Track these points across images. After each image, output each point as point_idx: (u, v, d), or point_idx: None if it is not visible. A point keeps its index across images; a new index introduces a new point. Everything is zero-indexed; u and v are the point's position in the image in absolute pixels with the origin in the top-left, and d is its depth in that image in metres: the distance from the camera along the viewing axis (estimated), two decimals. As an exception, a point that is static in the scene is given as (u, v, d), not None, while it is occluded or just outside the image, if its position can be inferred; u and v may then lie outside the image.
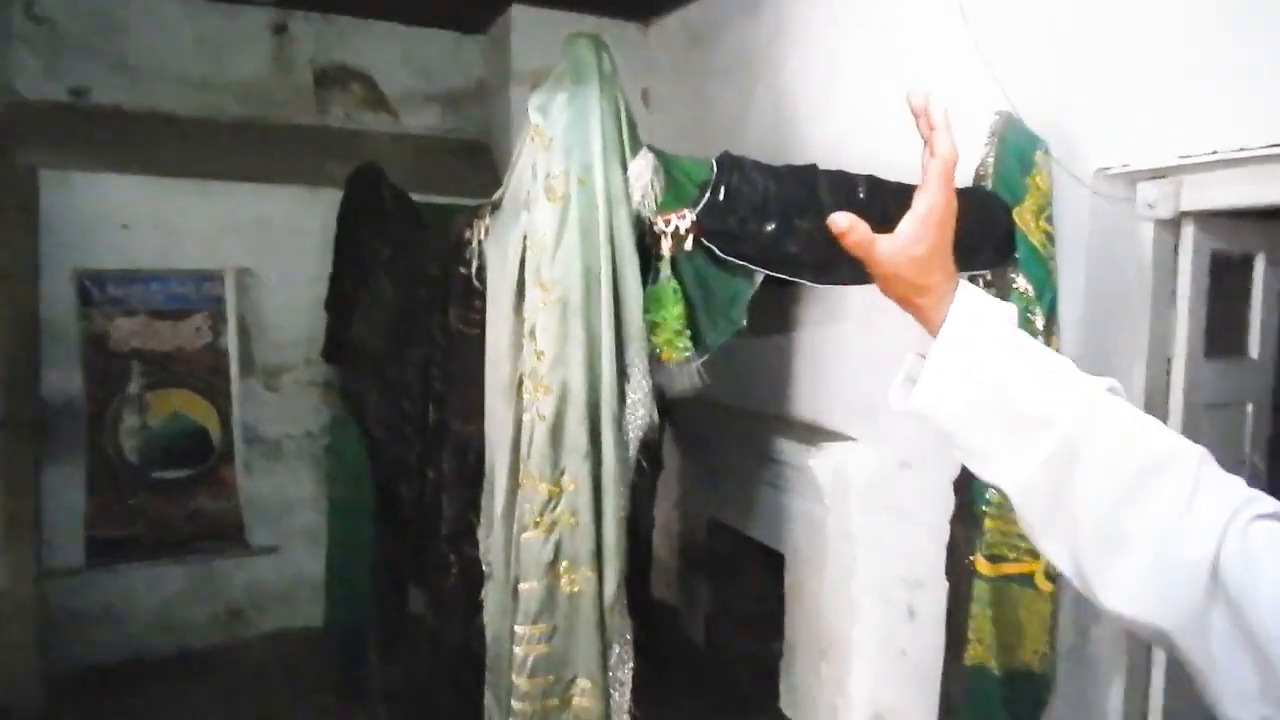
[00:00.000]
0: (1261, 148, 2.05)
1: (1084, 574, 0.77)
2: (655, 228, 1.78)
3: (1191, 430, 2.48)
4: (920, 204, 0.87)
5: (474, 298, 2.05)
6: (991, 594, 2.32)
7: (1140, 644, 2.53)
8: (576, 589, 1.65)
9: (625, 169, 1.71)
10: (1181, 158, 2.22)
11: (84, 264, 3.61)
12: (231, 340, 3.84)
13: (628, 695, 1.71)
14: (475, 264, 2.00)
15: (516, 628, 1.67)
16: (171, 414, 3.76)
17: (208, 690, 3.58)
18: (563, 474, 1.66)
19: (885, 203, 2.08)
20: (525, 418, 1.70)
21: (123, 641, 3.73)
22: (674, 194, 1.77)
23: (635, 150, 1.73)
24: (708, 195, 1.80)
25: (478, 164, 4.80)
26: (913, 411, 0.85)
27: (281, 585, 4.09)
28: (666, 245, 1.78)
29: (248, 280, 3.93)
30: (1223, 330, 2.60)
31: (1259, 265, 2.66)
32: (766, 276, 1.97)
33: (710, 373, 4.38)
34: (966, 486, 2.40)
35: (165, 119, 4.10)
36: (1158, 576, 0.72)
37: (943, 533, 2.53)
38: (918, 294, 0.86)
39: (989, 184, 2.32)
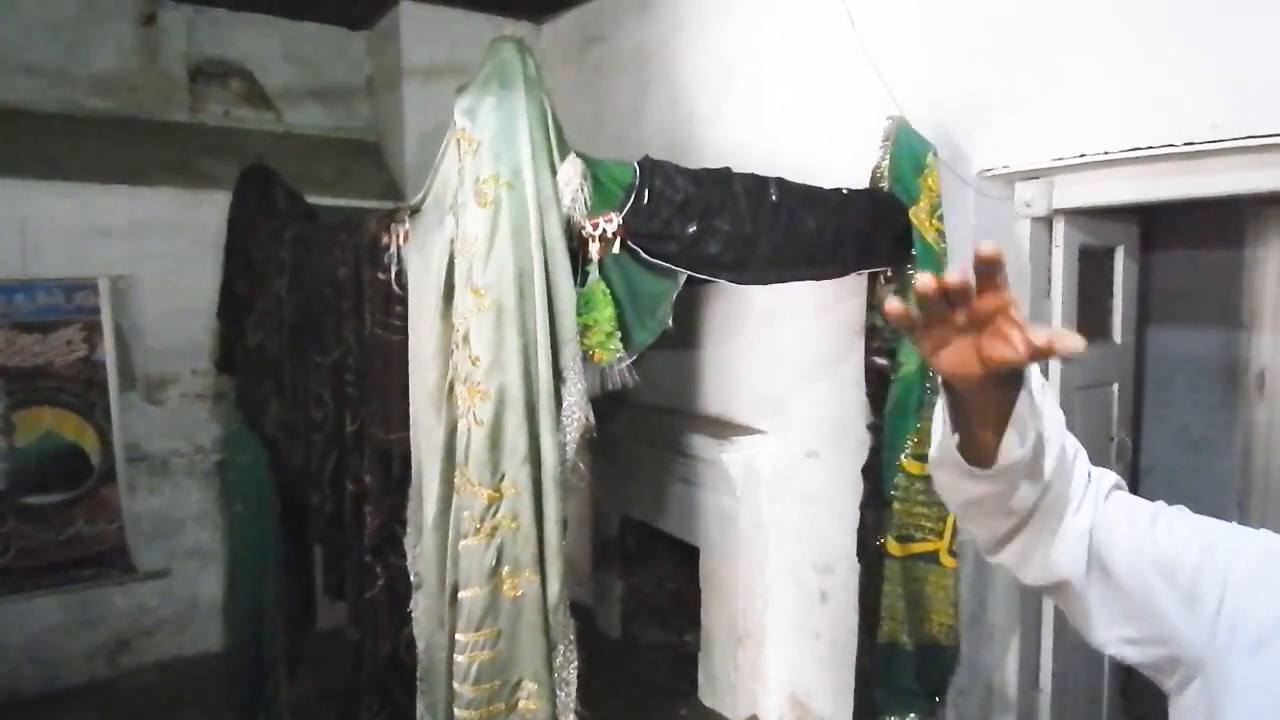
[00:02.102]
0: (1120, 152, 2.27)
1: (1009, 553, 0.93)
2: (584, 231, 1.80)
3: (1067, 409, 2.69)
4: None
5: (394, 303, 2.01)
6: (901, 573, 2.46)
7: (1031, 611, 2.74)
8: (520, 593, 1.66)
9: (554, 173, 1.72)
10: (1053, 160, 2.42)
11: (-67, 275, 3.31)
12: (108, 352, 3.58)
13: (573, 694, 1.72)
14: (395, 269, 1.96)
15: (459, 636, 1.65)
16: (43, 434, 3.48)
17: (93, 727, 3.35)
18: (503, 479, 1.65)
19: (794, 204, 2.18)
20: (460, 424, 1.69)
21: (-9, 679, 3.44)
22: (601, 197, 1.80)
23: (563, 154, 1.74)
24: (632, 198, 1.84)
25: (369, 164, 4.66)
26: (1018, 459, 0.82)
27: (173, 610, 3.86)
28: (595, 248, 1.80)
29: (125, 288, 3.67)
30: (1091, 317, 2.84)
31: (1119, 257, 2.92)
32: (690, 277, 2.03)
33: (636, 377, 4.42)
34: (875, 473, 2.54)
35: (14, 113, 3.78)
36: (1061, 545, 0.89)
37: (851, 517, 2.67)
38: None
39: (886, 185, 2.46)
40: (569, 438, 1.72)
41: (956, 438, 0.85)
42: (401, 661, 2.11)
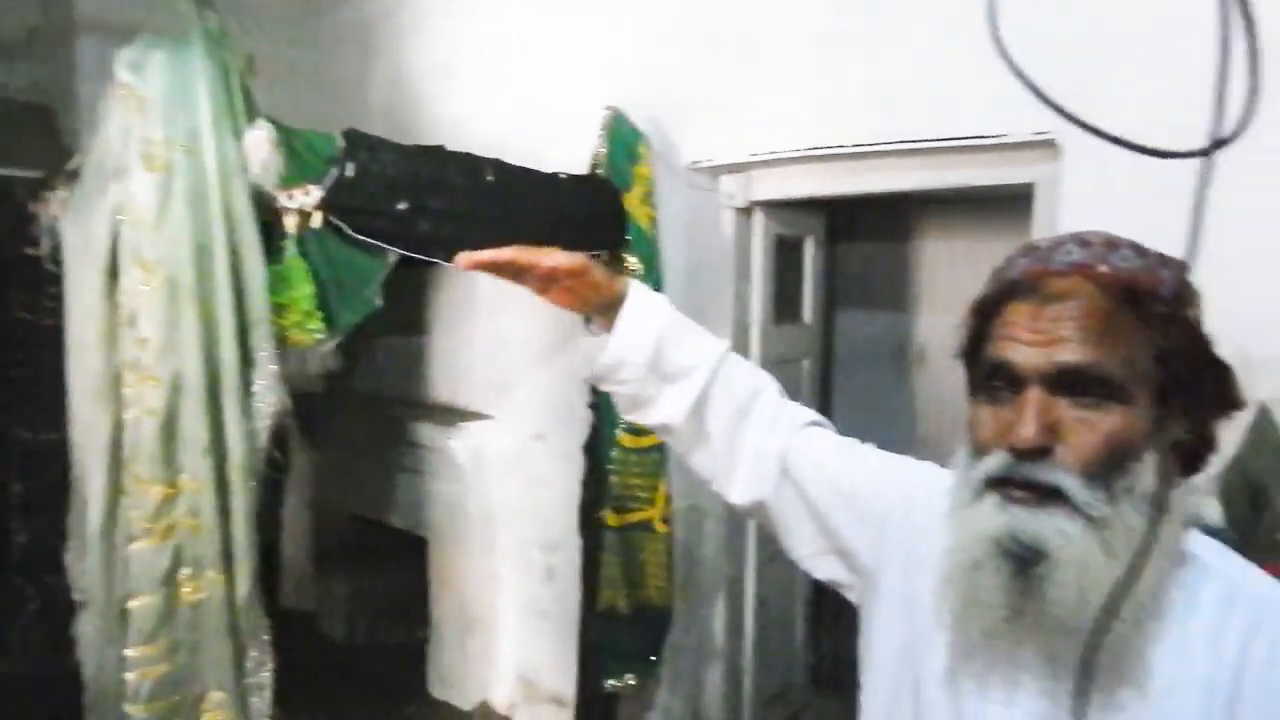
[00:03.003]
0: (804, 150, 2.53)
1: (719, 479, 1.07)
2: (278, 204, 1.67)
3: (766, 385, 2.98)
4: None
5: (46, 282, 1.74)
6: (619, 542, 2.57)
7: (736, 570, 3.00)
8: (201, 596, 1.51)
9: (239, 139, 1.57)
10: (751, 155, 2.65)
11: None
12: None
13: (268, 698, 1.60)
14: (48, 244, 1.70)
15: (129, 651, 1.47)
16: None
17: None
18: (179, 473, 1.49)
19: (511, 186, 2.19)
20: (128, 415, 1.50)
21: None
22: (297, 168, 1.68)
23: (250, 119, 1.60)
24: (335, 172, 1.74)
25: (36, 129, 3.98)
26: (608, 363, 1.02)
27: None
28: (291, 222, 1.68)
29: None
30: (785, 300, 3.15)
31: (809, 247, 3.26)
32: (401, 256, 1.96)
33: (341, 362, 4.16)
34: (594, 449, 2.63)
35: None
36: (757, 470, 1.02)
37: (574, 495, 2.74)
38: (609, 281, 1.02)
39: (602, 172, 2.55)
40: (260, 425, 1.60)
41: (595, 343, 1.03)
42: (67, 691, 1.84)
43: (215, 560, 1.54)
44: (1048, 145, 2.11)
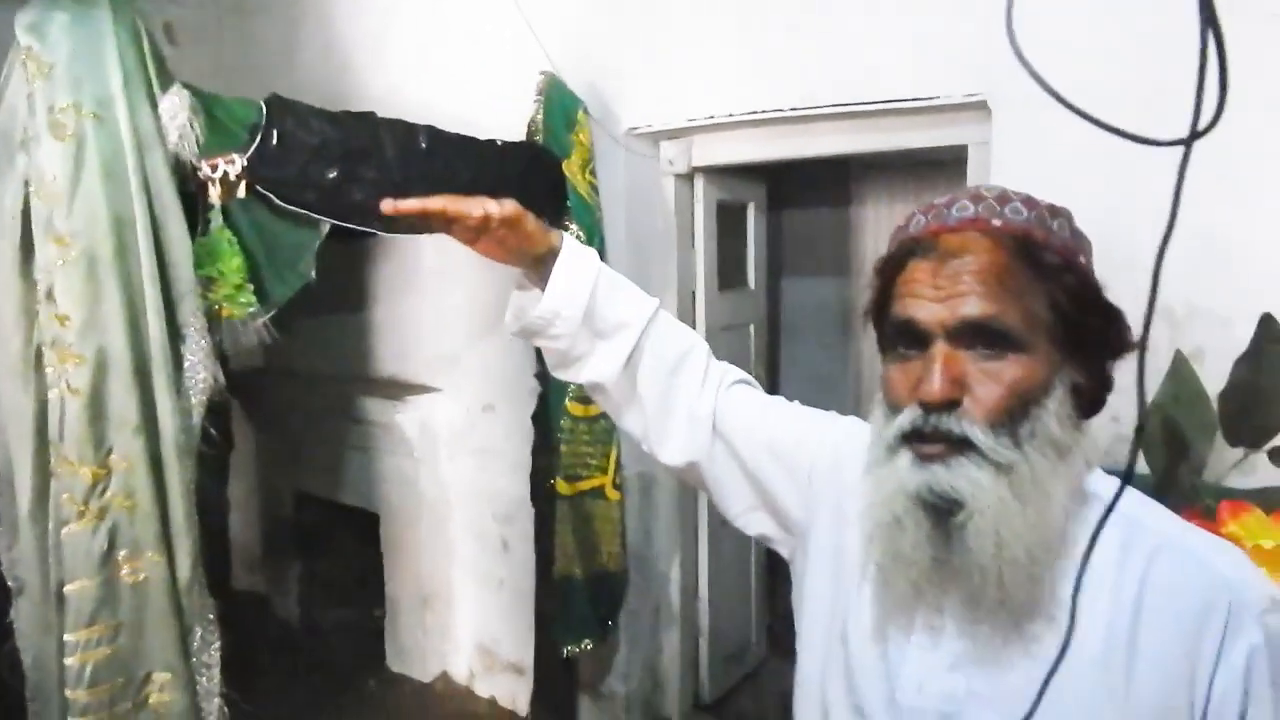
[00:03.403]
0: (742, 114, 2.53)
1: (650, 439, 1.06)
2: (200, 174, 1.62)
3: (714, 348, 2.98)
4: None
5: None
6: (571, 510, 2.59)
7: (690, 534, 3.03)
8: (142, 577, 1.48)
9: (155, 106, 1.52)
10: (689, 120, 2.64)
11: None
12: None
13: (217, 677, 1.58)
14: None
15: (68, 636, 1.44)
16: None
17: None
18: (110, 453, 1.45)
19: (446, 153, 2.15)
20: (51, 395, 1.45)
21: None
22: (218, 137, 1.63)
23: (165, 85, 1.55)
24: (259, 140, 1.69)
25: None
26: (543, 315, 0.99)
27: None
28: (215, 193, 1.63)
29: None
30: (729, 267, 3.17)
31: (751, 213, 3.28)
32: (334, 227, 1.92)
33: (285, 338, 4.10)
34: (543, 417, 2.63)
35: None
36: (688, 430, 1.02)
37: (526, 465, 2.74)
38: (542, 232, 0.99)
39: (540, 139, 2.52)
40: (194, 401, 1.56)
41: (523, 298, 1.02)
42: (5, 681, 1.80)
43: (154, 541, 1.50)
44: (979, 107, 2.15)
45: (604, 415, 2.63)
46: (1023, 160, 2.03)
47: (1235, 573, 0.73)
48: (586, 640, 2.62)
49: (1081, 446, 0.76)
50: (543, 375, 2.62)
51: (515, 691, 3.13)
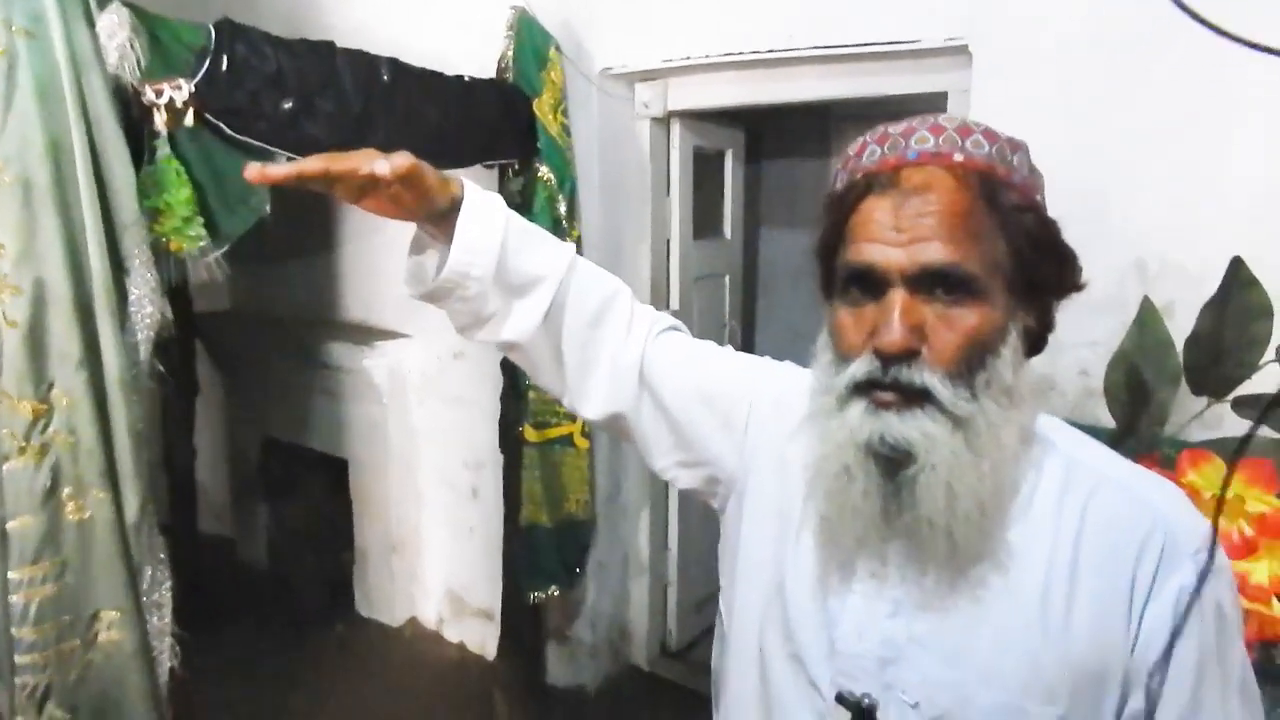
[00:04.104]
0: (719, 56, 2.46)
1: (571, 394, 0.99)
2: (144, 99, 1.55)
3: (686, 299, 2.98)
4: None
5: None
6: (539, 458, 2.57)
7: (660, 485, 3.03)
8: (87, 515, 1.44)
9: (93, 25, 1.44)
10: (664, 61, 2.57)
11: None
12: None
13: (169, 617, 1.56)
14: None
15: (11, 574, 1.41)
16: None
17: None
18: (51, 388, 1.40)
19: (410, 88, 2.08)
20: (-12, 328, 1.40)
21: None
22: (163, 60, 1.55)
23: (103, 3, 1.46)
24: (207, 65, 1.61)
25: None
26: (450, 277, 0.89)
27: None
28: (161, 120, 1.56)
29: None
30: (706, 215, 3.12)
31: (729, 161, 3.22)
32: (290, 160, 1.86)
33: (250, 281, 4.02)
34: (511, 365, 2.59)
35: None
36: (613, 381, 0.96)
37: (496, 412, 2.72)
38: (442, 184, 0.88)
39: (510, 76, 2.44)
40: (140, 337, 1.51)
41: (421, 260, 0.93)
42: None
43: (99, 479, 1.46)
44: (960, 52, 2.10)
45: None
46: (1002, 107, 1.98)
47: (1172, 509, 0.73)
48: (553, 587, 2.63)
49: (1028, 391, 0.74)
50: (511, 321, 2.58)
51: (485, 637, 3.15)
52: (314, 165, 0.79)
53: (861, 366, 0.72)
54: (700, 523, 3.19)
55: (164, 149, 1.57)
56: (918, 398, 0.70)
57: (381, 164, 0.81)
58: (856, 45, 2.23)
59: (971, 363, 0.70)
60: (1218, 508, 0.70)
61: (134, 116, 1.55)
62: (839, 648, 0.77)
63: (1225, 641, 0.72)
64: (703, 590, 3.24)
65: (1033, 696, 0.70)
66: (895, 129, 0.76)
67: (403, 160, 0.82)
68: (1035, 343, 0.77)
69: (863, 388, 0.72)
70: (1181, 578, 0.69)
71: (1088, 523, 0.72)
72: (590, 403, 0.98)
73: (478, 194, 0.90)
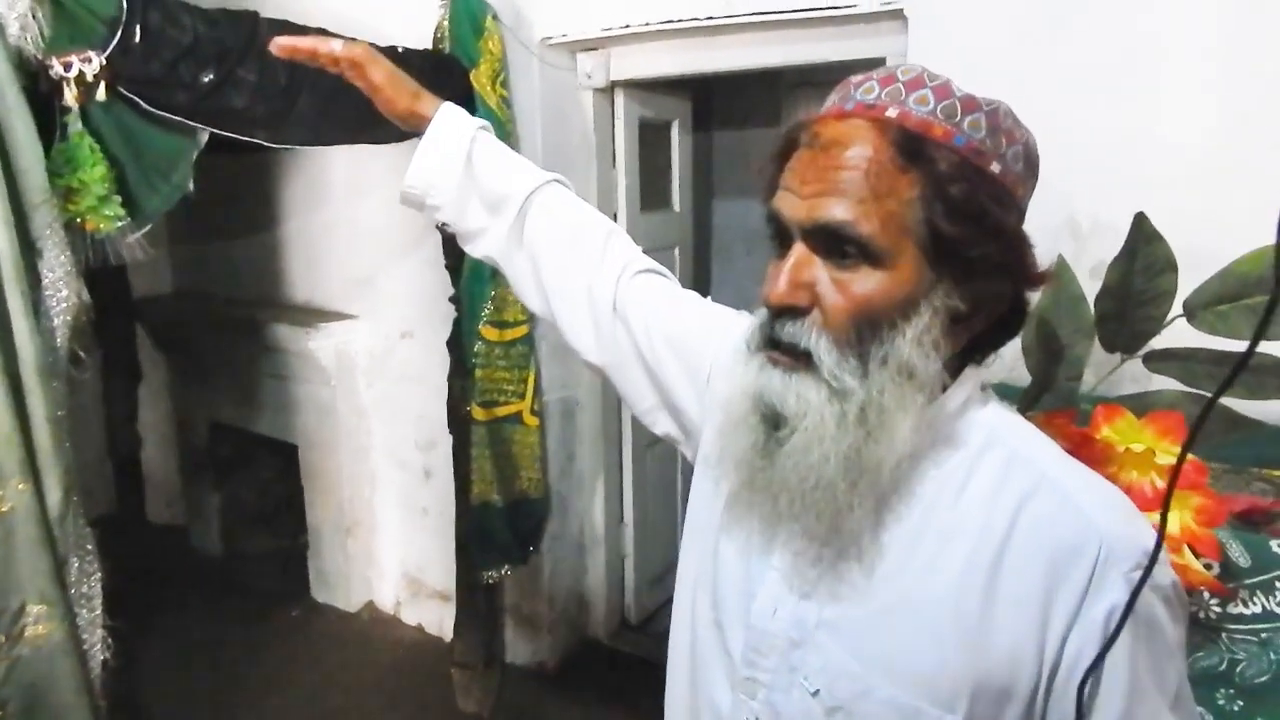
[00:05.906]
0: (660, 23, 2.43)
1: (560, 325, 1.00)
2: (52, 72, 1.48)
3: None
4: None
5: None
6: (488, 436, 2.54)
7: (614, 458, 3.03)
8: (8, 506, 1.40)
9: (-9, -7, 1.37)
10: (604, 30, 2.53)
11: None
12: None
13: (99, 608, 1.52)
14: None
15: (-72, 570, 1.36)
16: None
17: None
18: (-39, 376, 1.36)
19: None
20: (-109, 314, 1.34)
21: None
22: (70, 31, 1.48)
23: (2, -30, 1.39)
24: (119, 35, 1.55)
25: None
26: (409, 187, 0.99)
27: None
28: (71, 94, 1.49)
29: None
30: (654, 187, 3.09)
31: (675, 131, 3.19)
32: (220, 138, 1.80)
33: (192, 262, 3.91)
34: (458, 343, 2.56)
35: None
36: (590, 313, 0.96)
37: (445, 392, 2.68)
38: (399, 93, 0.98)
39: (447, 47, 2.38)
40: (57, 321, 1.46)
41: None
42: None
43: (18, 469, 1.42)
44: (896, 16, 2.09)
45: (521, 340, 2.57)
46: (938, 70, 1.99)
47: (1110, 524, 0.67)
48: (506, 566, 2.62)
49: (932, 375, 0.68)
50: (457, 299, 2.54)
51: (443, 617, 3.13)
52: (306, 45, 0.95)
53: (758, 318, 0.72)
54: (656, 496, 3.20)
55: (75, 124, 1.50)
56: (806, 360, 0.68)
57: (333, 44, 0.95)
58: (795, 10, 2.21)
59: (863, 333, 0.66)
60: (1163, 520, 0.65)
61: (43, 91, 1.48)
62: (752, 622, 0.76)
63: (1160, 658, 0.67)
64: (660, 564, 3.25)
65: (932, 699, 0.67)
66: (856, 77, 0.73)
67: (347, 50, 0.95)
68: (990, 332, 0.72)
69: (767, 343, 0.71)
70: (1111, 597, 0.65)
71: (1019, 524, 0.68)
72: (582, 339, 0.98)
73: (445, 123, 0.98)
